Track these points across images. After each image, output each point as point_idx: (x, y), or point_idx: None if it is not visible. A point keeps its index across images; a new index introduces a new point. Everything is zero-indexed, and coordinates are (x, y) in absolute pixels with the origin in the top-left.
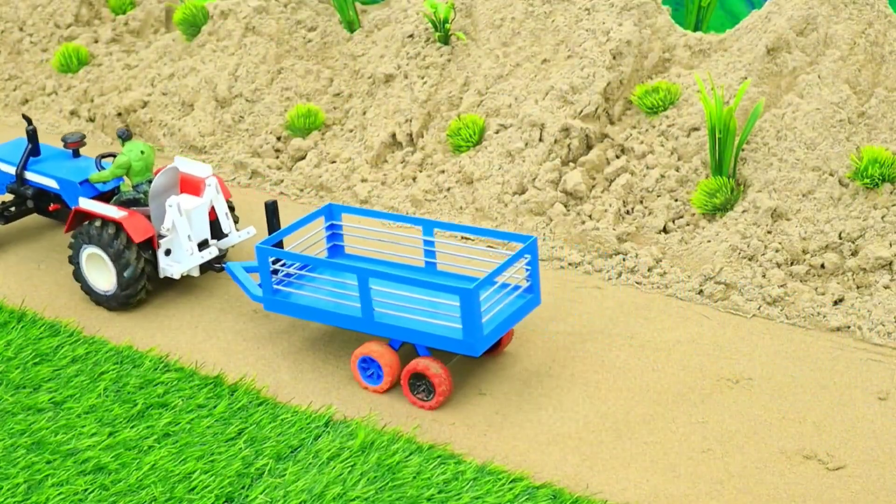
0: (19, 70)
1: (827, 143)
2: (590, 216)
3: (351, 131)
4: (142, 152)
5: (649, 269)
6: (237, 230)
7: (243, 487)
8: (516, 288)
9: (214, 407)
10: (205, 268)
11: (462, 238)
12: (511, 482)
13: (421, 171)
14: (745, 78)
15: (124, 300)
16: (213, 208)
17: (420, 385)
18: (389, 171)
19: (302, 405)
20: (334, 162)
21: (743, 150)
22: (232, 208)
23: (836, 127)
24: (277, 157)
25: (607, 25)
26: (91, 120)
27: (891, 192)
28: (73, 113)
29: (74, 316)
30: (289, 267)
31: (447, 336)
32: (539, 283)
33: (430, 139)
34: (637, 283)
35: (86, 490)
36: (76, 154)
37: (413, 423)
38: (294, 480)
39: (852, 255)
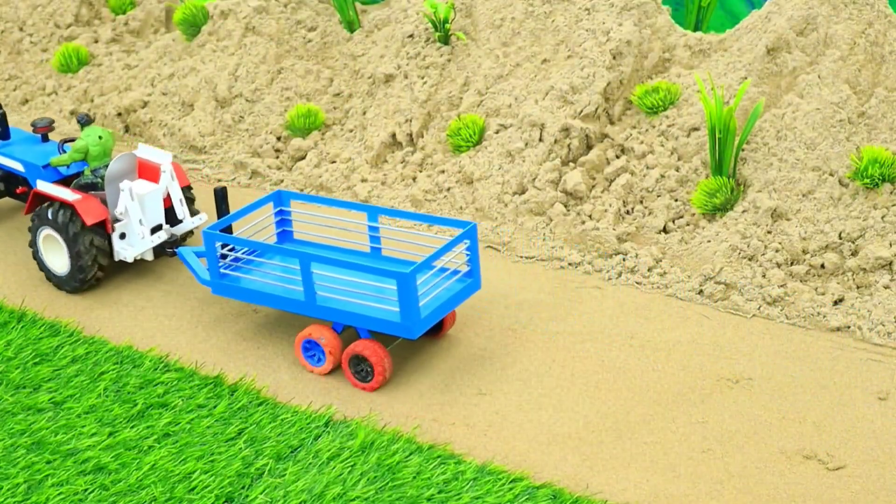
0: (19, 70)
1: (827, 143)
2: (590, 216)
3: (351, 131)
4: (100, 137)
5: (649, 269)
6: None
7: (243, 487)
8: (456, 272)
9: (214, 407)
10: (159, 252)
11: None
12: (511, 482)
13: (421, 171)
14: (745, 78)
15: (78, 282)
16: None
17: (360, 367)
18: (389, 171)
19: (302, 405)
20: (334, 162)
21: (743, 150)
22: (189, 189)
23: (836, 127)
24: (277, 157)
25: (607, 25)
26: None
27: (891, 192)
28: (73, 113)
29: (74, 316)
30: (237, 252)
31: (385, 319)
32: (479, 267)
33: (430, 139)
34: (637, 283)
35: (86, 490)
36: (45, 139)
37: (413, 423)
38: (294, 480)
39: (852, 255)
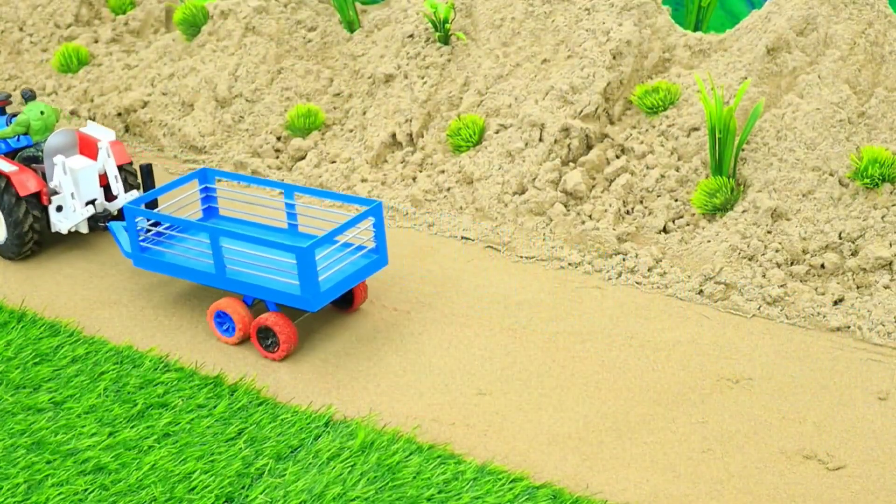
0: (19, 70)
1: (827, 143)
2: (590, 216)
3: (351, 131)
4: (41, 112)
5: (649, 269)
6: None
7: (243, 487)
8: (360, 248)
9: (214, 407)
10: (94, 226)
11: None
12: (511, 482)
13: (421, 171)
14: (745, 78)
15: (15, 250)
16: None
17: (267, 338)
18: (389, 171)
19: (302, 405)
20: (334, 162)
21: (743, 150)
22: (132, 173)
23: (836, 127)
24: (277, 157)
25: (607, 25)
26: (91, 120)
27: (891, 192)
28: (73, 113)
29: (74, 316)
30: (153, 226)
31: (288, 292)
32: (385, 244)
33: (430, 139)
34: (637, 283)
35: (86, 490)
36: (2, 112)
37: (413, 423)
38: (294, 480)
39: (852, 255)
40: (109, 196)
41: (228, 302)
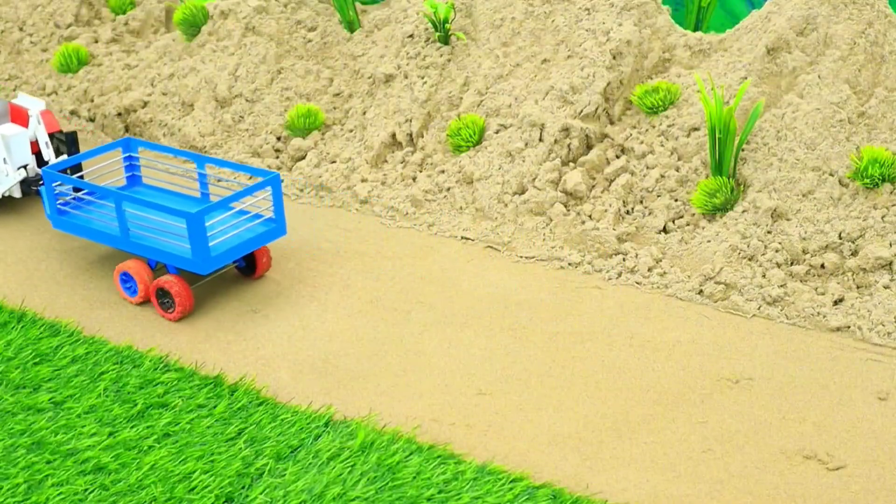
0: (19, 70)
1: (827, 143)
2: (590, 216)
3: (351, 131)
4: None
5: (649, 269)
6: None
7: (243, 487)
8: (257, 217)
9: (214, 407)
10: (26, 191)
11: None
12: (511, 482)
13: (421, 171)
14: (745, 78)
15: None
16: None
17: (165, 299)
18: (389, 171)
19: (302, 405)
20: (334, 162)
21: (743, 150)
22: (60, 140)
23: (836, 127)
24: (277, 157)
25: (607, 25)
26: (91, 120)
27: (891, 192)
28: (73, 113)
29: (74, 316)
30: (66, 190)
31: (181, 255)
32: (283, 214)
33: (430, 139)
34: (637, 283)
35: (86, 490)
36: None
37: (413, 423)
38: (294, 480)
39: (852, 255)
40: (41, 162)
41: (132, 264)
